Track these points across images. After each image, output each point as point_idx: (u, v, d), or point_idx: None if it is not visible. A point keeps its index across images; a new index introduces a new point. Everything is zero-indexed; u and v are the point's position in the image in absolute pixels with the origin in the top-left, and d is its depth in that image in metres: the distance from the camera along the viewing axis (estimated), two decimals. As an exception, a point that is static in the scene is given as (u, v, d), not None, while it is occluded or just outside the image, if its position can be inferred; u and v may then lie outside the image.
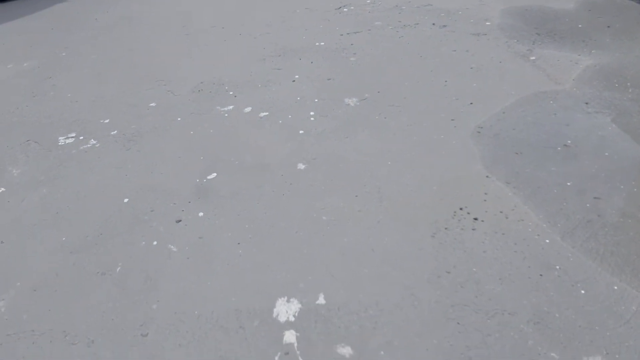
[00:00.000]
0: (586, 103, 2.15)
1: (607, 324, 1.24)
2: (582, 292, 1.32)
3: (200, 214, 1.74)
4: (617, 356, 1.17)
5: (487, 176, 1.79)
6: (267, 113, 2.32)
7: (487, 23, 3.07)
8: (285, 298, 1.39)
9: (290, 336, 1.29)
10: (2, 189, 1.97)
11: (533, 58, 2.58)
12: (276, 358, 1.24)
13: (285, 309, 1.36)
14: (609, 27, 2.85)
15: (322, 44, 3.01)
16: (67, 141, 2.24)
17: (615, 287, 1.33)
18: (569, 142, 1.93)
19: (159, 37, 3.41)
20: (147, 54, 3.13)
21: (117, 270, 1.55)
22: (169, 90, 2.62)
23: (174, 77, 2.78)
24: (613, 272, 1.38)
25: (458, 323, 1.28)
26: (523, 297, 1.33)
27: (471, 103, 2.24)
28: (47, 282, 1.52)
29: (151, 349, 1.30)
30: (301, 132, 2.15)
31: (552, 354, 1.18)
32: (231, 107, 2.40)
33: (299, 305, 1.37)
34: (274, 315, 1.35)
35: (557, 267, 1.40)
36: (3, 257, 1.64)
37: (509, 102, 2.22)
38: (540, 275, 1.38)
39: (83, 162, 2.09)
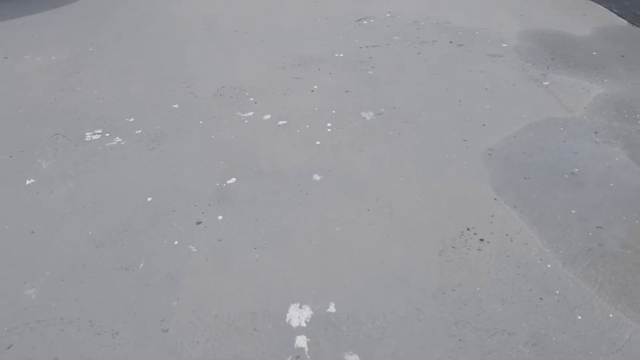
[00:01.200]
0: (595, 132, 2.23)
1: (601, 350, 1.31)
2: (579, 317, 1.40)
3: (220, 217, 1.83)
4: (607, 380, 1.24)
5: (495, 198, 1.87)
6: (285, 122, 2.40)
7: (504, 45, 3.15)
8: (298, 304, 1.48)
9: (301, 341, 1.37)
10: (32, 180, 2.07)
11: (546, 83, 2.65)
12: (288, 360, 1.33)
13: (298, 315, 1.45)
14: (623, 56, 2.92)
15: (342, 55, 3.09)
16: (94, 137, 2.34)
17: (611, 315, 1.40)
18: (576, 170, 2.00)
19: (183, 37, 3.51)
20: (171, 54, 3.23)
21: (140, 266, 1.64)
22: (192, 93, 2.71)
23: (197, 79, 2.87)
24: (610, 300, 1.45)
25: (460, 340, 1.36)
26: (523, 318, 1.41)
27: (484, 125, 2.31)
28: (75, 273, 1.62)
29: (171, 344, 1.39)
30: (318, 142, 2.23)
31: (547, 375, 1.26)
32: (251, 113, 2.49)
33: (311, 312, 1.45)
34: (287, 319, 1.44)
35: (557, 292, 1.48)
36: (33, 246, 1.74)
37: (520, 126, 2.30)
38: (541, 298, 1.46)
39: (109, 158, 2.18)
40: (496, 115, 2.38)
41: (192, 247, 1.70)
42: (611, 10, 3.60)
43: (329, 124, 2.37)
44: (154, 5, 4.25)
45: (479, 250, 1.64)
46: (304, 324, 1.42)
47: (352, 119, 2.41)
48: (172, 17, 3.92)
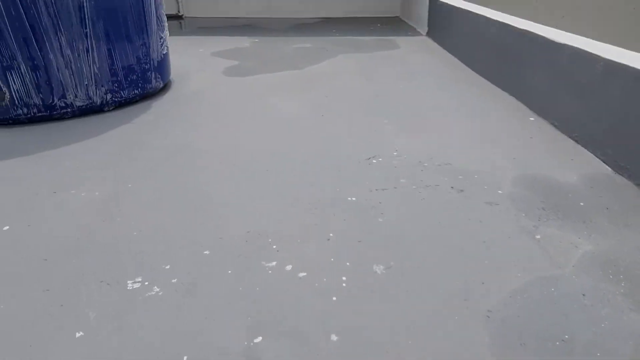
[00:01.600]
0: (583, 294, 2.49)
1: None
2: None
3: (248, 380, 2.06)
4: None
5: (494, 367, 2.09)
6: (305, 274, 2.70)
7: (499, 191, 3.51)
8: None
9: None
10: (81, 332, 2.33)
11: (538, 237, 2.96)
12: None
13: None
14: (607, 209, 3.26)
15: (354, 199, 3.46)
16: (135, 286, 2.63)
17: None
18: (567, 336, 2.24)
19: (212, 172, 3.93)
20: (201, 190, 3.62)
21: None
22: (221, 237, 3.05)
23: (225, 221, 3.22)
24: None
25: None
26: None
27: (483, 283, 2.59)
28: None
29: None
30: (334, 298, 2.51)
31: None
32: (274, 263, 2.79)
33: None
34: None
35: None
36: (83, 408, 1.96)
37: (515, 285, 2.57)
38: None
39: (148, 310, 2.45)
40: (493, 272, 2.67)
41: (224, 414, 1.92)
42: (596, 156, 4.02)
43: (344, 278, 2.66)
44: (184, 136, 4.75)
45: None
46: None
47: (364, 272, 2.70)
48: (200, 149, 4.40)
